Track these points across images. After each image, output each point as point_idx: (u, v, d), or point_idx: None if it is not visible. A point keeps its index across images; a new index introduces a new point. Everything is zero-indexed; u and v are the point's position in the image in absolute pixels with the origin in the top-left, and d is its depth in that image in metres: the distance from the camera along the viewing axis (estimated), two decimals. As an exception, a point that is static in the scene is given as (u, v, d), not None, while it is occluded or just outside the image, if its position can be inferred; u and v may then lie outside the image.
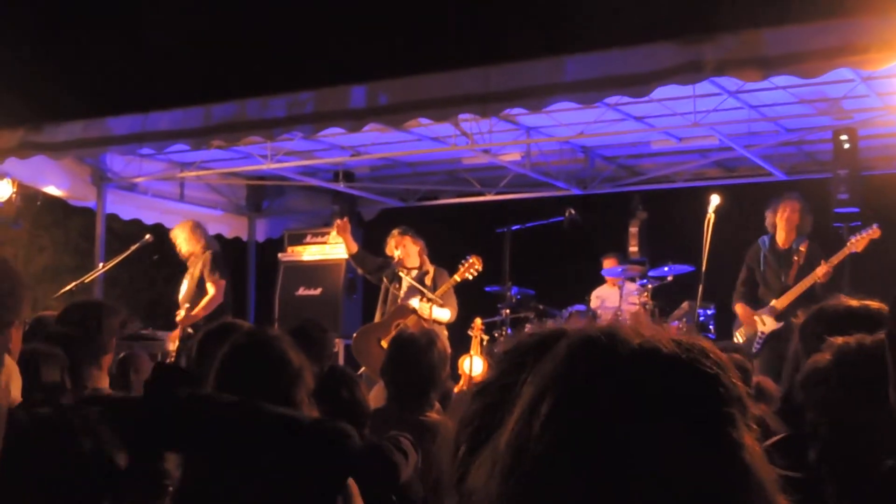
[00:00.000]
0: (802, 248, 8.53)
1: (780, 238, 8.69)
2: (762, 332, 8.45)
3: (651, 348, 1.09)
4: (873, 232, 8.23)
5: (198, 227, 9.99)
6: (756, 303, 8.70)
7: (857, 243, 8.25)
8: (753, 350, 8.32)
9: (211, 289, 9.59)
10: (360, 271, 10.27)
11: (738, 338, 8.62)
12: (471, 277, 9.20)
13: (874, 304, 2.83)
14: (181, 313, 9.61)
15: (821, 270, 8.24)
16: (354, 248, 9.75)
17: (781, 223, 8.66)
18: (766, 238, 8.82)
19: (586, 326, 1.14)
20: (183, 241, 9.83)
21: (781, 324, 8.32)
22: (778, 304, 8.46)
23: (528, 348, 1.17)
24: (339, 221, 9.99)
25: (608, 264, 11.14)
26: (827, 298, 7.86)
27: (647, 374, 1.06)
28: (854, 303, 2.86)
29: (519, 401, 1.09)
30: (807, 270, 8.39)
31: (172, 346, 9.22)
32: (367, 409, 4.20)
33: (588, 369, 1.07)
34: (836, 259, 8.28)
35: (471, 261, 9.17)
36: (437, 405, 4.95)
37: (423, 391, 4.83)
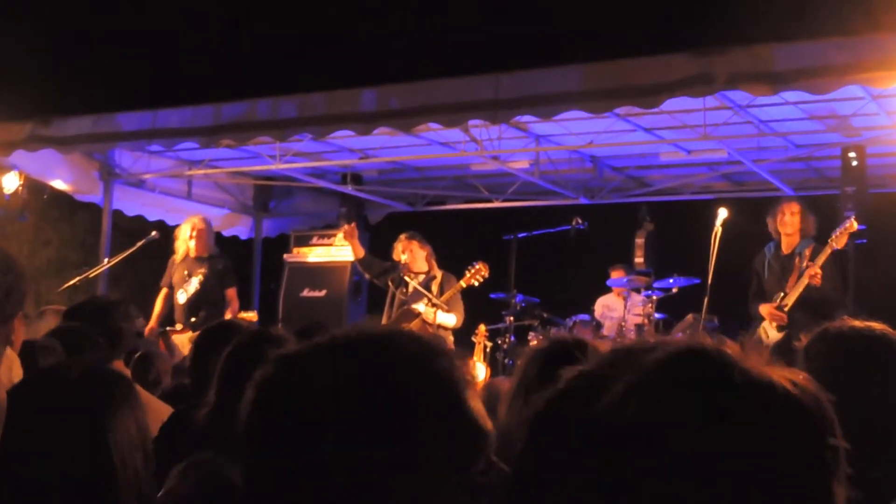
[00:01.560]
0: (807, 252, 8.17)
1: (784, 243, 8.37)
2: (766, 344, 8.27)
3: (763, 374, 1.04)
4: (850, 225, 7.97)
5: (212, 228, 9.93)
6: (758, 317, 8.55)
7: (838, 240, 7.97)
8: None
9: (233, 297, 9.52)
10: (366, 276, 10.23)
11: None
12: (477, 284, 9.19)
13: (878, 325, 2.82)
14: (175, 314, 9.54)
15: (808, 273, 8.06)
16: (361, 252, 9.73)
17: (783, 228, 8.33)
18: (771, 244, 8.51)
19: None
20: (203, 238, 9.63)
21: (783, 334, 8.12)
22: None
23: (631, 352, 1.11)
24: (346, 227, 9.93)
25: (615, 275, 11.14)
26: (831, 299, 7.77)
27: (755, 398, 1.01)
28: (858, 324, 2.85)
29: (609, 385, 1.04)
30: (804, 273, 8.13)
31: (181, 350, 9.15)
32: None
33: (692, 373, 1.03)
34: (820, 259, 7.98)
35: (477, 267, 9.16)
36: None
37: None
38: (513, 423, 2.70)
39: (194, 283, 9.51)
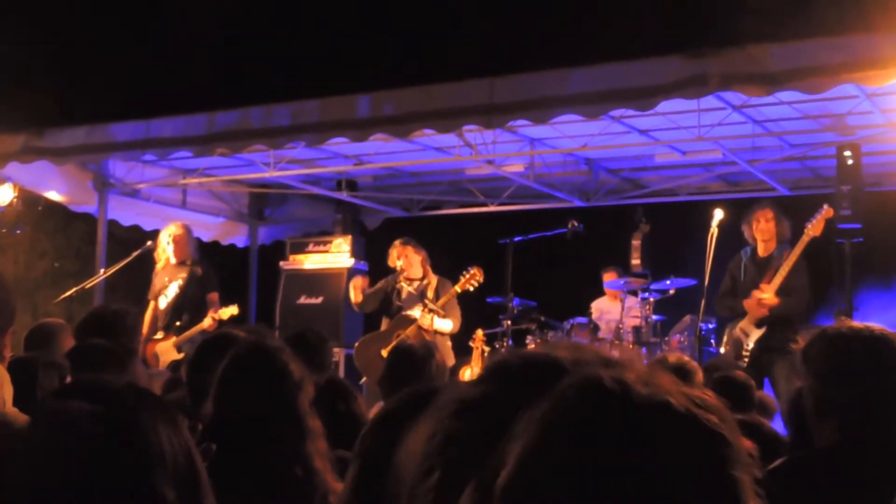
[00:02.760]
0: (785, 255, 8.32)
1: (760, 249, 8.54)
2: (748, 344, 8.31)
3: (661, 400, 1.01)
4: (826, 212, 8.12)
5: (192, 234, 9.87)
6: (736, 314, 8.58)
7: (815, 227, 8.13)
8: (743, 363, 8.16)
9: (214, 301, 9.43)
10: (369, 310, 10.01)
11: (724, 349, 8.49)
12: (472, 289, 9.18)
13: (876, 326, 2.82)
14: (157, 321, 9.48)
15: (791, 260, 8.14)
16: (360, 297, 9.55)
17: (759, 234, 8.50)
18: (748, 248, 8.67)
19: (590, 367, 1.07)
20: (181, 244, 9.58)
21: (763, 330, 8.20)
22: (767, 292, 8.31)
23: (523, 377, 1.11)
24: (358, 279, 9.68)
25: (608, 277, 11.14)
26: (800, 292, 7.90)
27: (655, 429, 0.99)
28: (857, 325, 2.85)
29: (516, 440, 1.02)
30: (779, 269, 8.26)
31: (166, 357, 9.11)
32: (363, 422, 4.18)
33: (597, 419, 1.00)
34: (799, 248, 8.17)
35: (472, 272, 9.15)
36: None
37: None
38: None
39: (174, 288, 9.46)
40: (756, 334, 8.23)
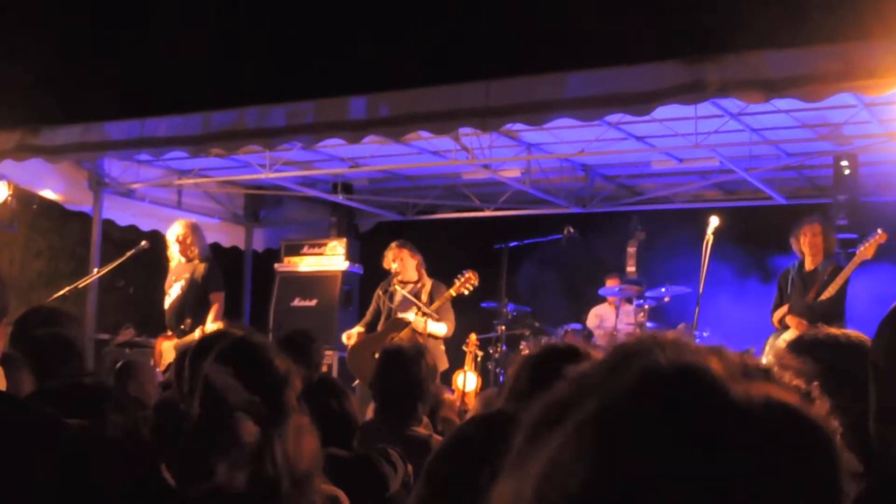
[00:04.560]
0: (830, 269, 8.29)
1: (808, 262, 8.48)
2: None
3: (765, 395, 0.87)
4: (880, 236, 8.07)
5: (199, 231, 9.72)
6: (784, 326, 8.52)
7: (867, 250, 8.08)
8: None
9: (215, 302, 9.31)
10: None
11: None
12: (466, 292, 9.14)
13: (853, 333, 2.80)
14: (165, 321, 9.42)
15: (839, 280, 8.13)
16: (356, 340, 9.49)
17: (806, 249, 8.44)
18: (795, 262, 8.61)
19: (668, 356, 0.91)
20: (185, 244, 9.38)
21: None
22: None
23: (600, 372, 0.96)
24: (354, 334, 9.55)
25: (610, 283, 11.11)
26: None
27: (755, 422, 0.86)
28: (835, 331, 2.82)
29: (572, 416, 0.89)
30: (828, 286, 8.20)
31: (167, 357, 9.05)
32: (355, 420, 4.16)
33: (672, 398, 0.86)
34: (849, 269, 8.13)
35: (467, 275, 9.11)
36: (426, 419, 4.91)
37: (410, 404, 4.79)
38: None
39: (177, 288, 9.35)
40: None
